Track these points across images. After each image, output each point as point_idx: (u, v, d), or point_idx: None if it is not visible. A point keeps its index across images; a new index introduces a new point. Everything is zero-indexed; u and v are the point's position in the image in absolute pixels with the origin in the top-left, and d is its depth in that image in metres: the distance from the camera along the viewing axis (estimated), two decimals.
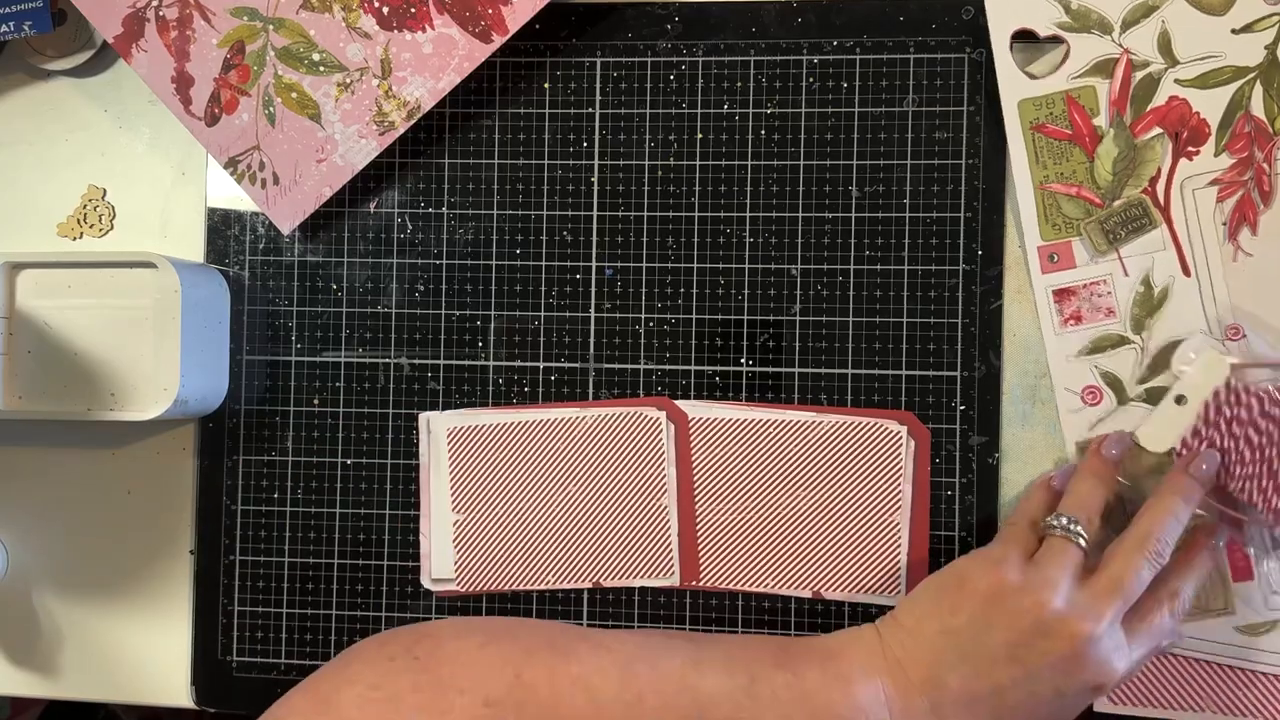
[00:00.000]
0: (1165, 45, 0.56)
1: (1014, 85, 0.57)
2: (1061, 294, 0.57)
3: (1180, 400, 0.54)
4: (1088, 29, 0.56)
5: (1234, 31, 0.55)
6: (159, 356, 0.60)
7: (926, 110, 0.59)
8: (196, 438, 0.64)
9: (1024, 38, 0.57)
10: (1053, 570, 0.50)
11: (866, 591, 0.58)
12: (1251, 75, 0.55)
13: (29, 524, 0.65)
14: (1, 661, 0.65)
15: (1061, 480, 0.55)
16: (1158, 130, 0.56)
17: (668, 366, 0.60)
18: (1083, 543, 0.51)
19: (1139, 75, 0.56)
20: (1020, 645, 0.49)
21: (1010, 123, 0.57)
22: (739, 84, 0.60)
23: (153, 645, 0.64)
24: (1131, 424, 0.56)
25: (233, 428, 0.63)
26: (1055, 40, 0.56)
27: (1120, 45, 0.56)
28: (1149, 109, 0.56)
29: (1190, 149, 0.56)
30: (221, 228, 0.64)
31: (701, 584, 0.59)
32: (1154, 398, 0.56)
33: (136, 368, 0.61)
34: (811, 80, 0.59)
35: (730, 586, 0.59)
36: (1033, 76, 0.57)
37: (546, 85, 0.61)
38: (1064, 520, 0.52)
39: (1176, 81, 0.56)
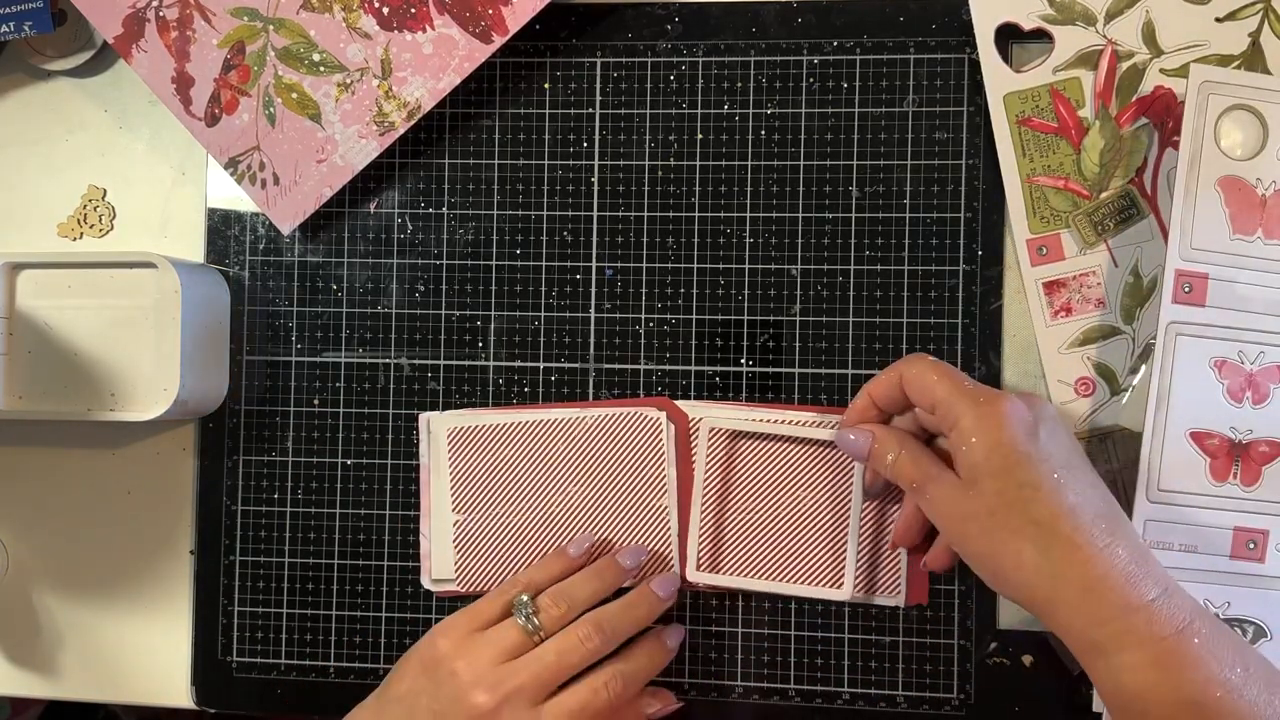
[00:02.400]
0: (1149, 35, 0.56)
1: (999, 79, 0.57)
2: (1051, 286, 0.57)
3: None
4: (1072, 20, 0.56)
5: (1217, 20, 0.56)
6: (159, 356, 0.60)
7: (926, 110, 0.59)
8: (196, 438, 0.64)
9: (1013, 35, 0.57)
10: (483, 646, 0.54)
11: (867, 592, 0.58)
12: (1236, 64, 0.55)
13: (29, 524, 0.65)
14: (1, 661, 0.65)
15: (577, 548, 0.58)
16: (1144, 120, 0.56)
17: (668, 366, 0.60)
18: (530, 626, 0.54)
19: (1124, 66, 0.56)
20: (441, 714, 0.53)
21: (996, 117, 0.57)
22: (739, 84, 0.60)
23: (153, 645, 0.64)
24: (1127, 416, 0.56)
25: (233, 428, 0.63)
26: (1041, 34, 0.57)
27: (1104, 36, 0.56)
28: (1134, 99, 0.56)
29: (1176, 138, 0.56)
30: (221, 228, 0.64)
31: (702, 584, 0.59)
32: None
33: (136, 368, 0.61)
34: (811, 80, 0.59)
35: (730, 586, 0.59)
36: (1019, 70, 0.57)
37: (546, 85, 0.61)
38: (524, 599, 0.55)
39: (1161, 71, 0.56)
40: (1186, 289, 0.54)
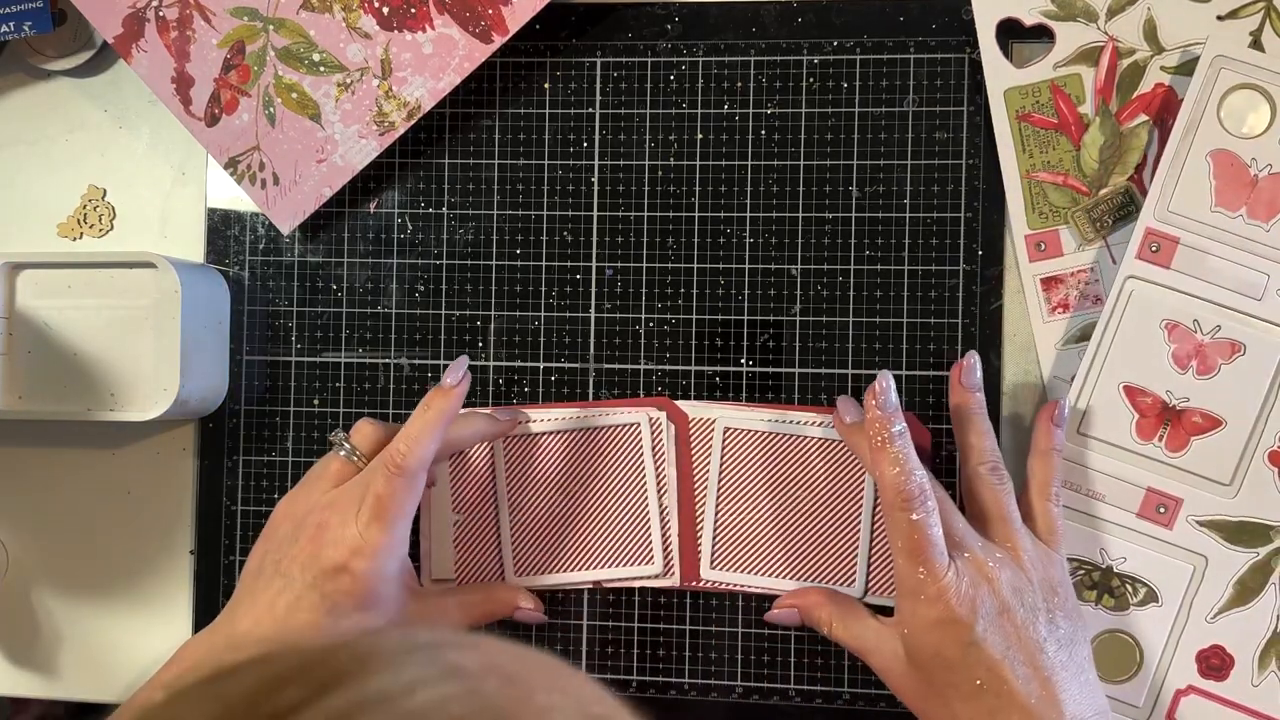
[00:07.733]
0: (1150, 32, 0.56)
1: (1000, 74, 0.57)
2: (1049, 282, 0.57)
3: None
4: (1073, 17, 0.56)
5: (1219, 18, 0.56)
6: (159, 356, 0.60)
7: (926, 110, 0.59)
8: (196, 438, 0.64)
9: (1014, 32, 0.57)
10: (310, 488, 0.57)
11: (868, 592, 0.58)
12: None
13: (29, 524, 0.65)
14: (1, 661, 0.65)
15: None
16: (1143, 118, 0.56)
17: (668, 366, 0.60)
18: (350, 457, 0.57)
19: (1124, 63, 0.56)
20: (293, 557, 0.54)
21: (997, 112, 0.57)
22: (739, 84, 0.60)
23: (153, 646, 0.64)
24: None
25: (233, 428, 0.63)
26: (1042, 30, 0.57)
27: (1105, 33, 0.56)
28: (1135, 96, 0.56)
29: None
30: (221, 228, 0.64)
31: (701, 584, 0.59)
32: None
33: (136, 368, 0.61)
34: (811, 80, 0.59)
35: (730, 587, 0.59)
36: (1020, 66, 0.57)
37: (546, 85, 0.61)
38: (340, 437, 0.57)
39: (1162, 68, 0.56)
40: (1154, 248, 0.54)
